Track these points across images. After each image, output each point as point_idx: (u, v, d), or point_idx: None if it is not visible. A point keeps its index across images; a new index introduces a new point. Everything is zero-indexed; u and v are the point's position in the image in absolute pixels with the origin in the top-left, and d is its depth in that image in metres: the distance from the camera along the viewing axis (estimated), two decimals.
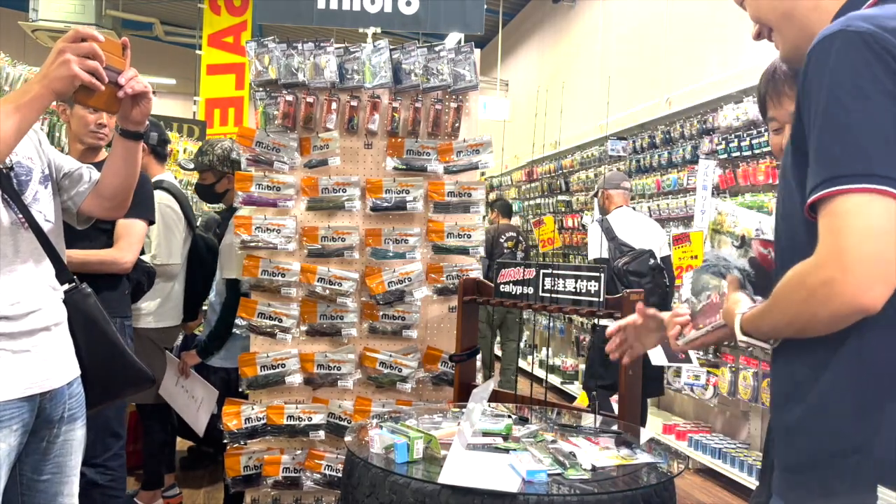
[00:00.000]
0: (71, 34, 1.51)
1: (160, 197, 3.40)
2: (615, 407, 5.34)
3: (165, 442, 3.63)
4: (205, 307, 3.76)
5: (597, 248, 5.23)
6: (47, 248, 1.69)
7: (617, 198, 5.14)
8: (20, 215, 1.63)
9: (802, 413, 1.07)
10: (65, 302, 1.75)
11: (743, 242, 1.49)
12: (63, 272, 1.74)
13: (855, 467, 0.99)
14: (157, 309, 3.41)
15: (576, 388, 6.73)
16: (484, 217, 3.13)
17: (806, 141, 1.04)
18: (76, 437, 1.76)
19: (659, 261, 4.53)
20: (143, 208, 2.71)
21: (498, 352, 7.25)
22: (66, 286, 1.76)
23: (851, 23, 1.01)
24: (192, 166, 3.54)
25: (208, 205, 3.61)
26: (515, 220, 9.14)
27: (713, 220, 1.57)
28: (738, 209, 1.55)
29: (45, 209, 1.72)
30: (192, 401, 3.39)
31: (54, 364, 1.68)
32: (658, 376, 4.59)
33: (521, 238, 6.79)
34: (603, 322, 4.25)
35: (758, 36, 1.26)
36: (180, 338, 3.97)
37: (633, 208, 5.34)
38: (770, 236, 1.47)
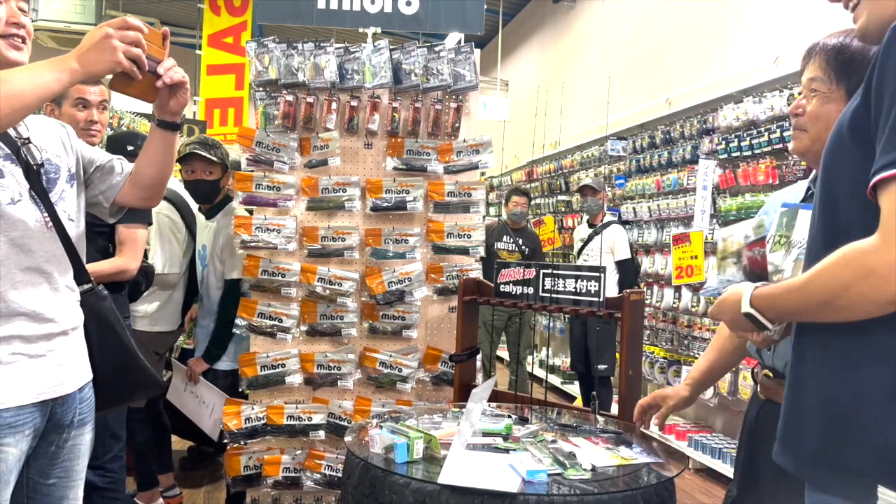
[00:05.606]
0: (118, 21, 1.49)
1: (158, 206, 3.35)
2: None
3: (151, 440, 3.57)
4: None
5: (626, 248, 5.32)
6: (68, 249, 1.66)
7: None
8: (45, 214, 1.61)
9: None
10: (80, 304, 1.72)
11: (739, 256, 1.51)
12: (81, 273, 1.71)
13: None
14: (154, 312, 3.38)
15: (575, 389, 6.72)
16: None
17: (868, 126, 1.02)
18: (85, 441, 1.73)
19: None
20: (142, 213, 2.71)
21: (503, 353, 7.24)
22: (83, 287, 1.73)
23: None
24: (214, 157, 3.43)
25: (197, 203, 3.49)
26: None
27: (719, 250, 1.60)
28: (731, 228, 1.58)
29: (70, 208, 1.69)
30: (204, 406, 3.36)
31: (68, 369, 1.65)
32: None
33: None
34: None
35: (846, 5, 1.22)
36: (181, 339, 3.94)
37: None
38: (754, 236, 1.49)
